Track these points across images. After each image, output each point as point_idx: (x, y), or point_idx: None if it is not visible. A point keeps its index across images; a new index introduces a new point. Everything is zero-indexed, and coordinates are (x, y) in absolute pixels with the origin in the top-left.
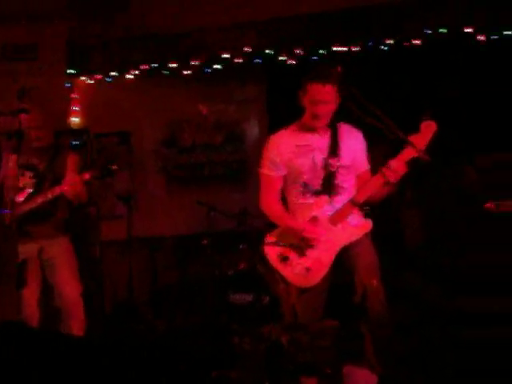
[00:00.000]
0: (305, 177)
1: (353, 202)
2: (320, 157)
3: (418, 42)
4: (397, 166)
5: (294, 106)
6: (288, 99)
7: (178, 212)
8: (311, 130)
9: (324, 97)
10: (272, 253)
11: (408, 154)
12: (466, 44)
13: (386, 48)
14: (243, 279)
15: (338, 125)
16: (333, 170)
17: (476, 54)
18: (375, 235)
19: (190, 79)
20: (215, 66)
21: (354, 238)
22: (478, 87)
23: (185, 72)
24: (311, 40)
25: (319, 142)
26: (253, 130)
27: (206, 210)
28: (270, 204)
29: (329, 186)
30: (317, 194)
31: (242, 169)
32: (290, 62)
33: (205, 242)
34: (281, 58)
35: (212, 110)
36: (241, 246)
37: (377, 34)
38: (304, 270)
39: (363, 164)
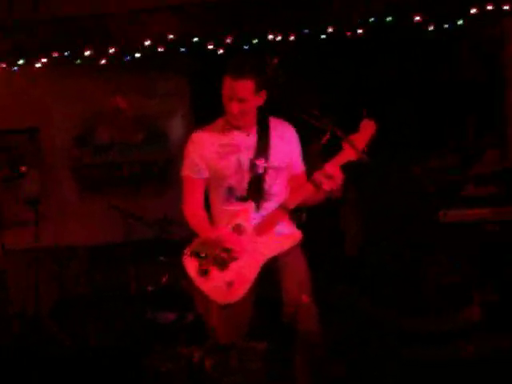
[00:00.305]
0: (229, 180)
1: (282, 208)
2: (246, 157)
3: (361, 31)
4: (332, 171)
5: (221, 98)
6: (216, 93)
7: (91, 219)
8: (236, 127)
9: (236, 93)
10: (191, 265)
11: (345, 155)
12: (415, 33)
13: (325, 37)
14: (165, 295)
15: (268, 120)
16: (260, 172)
17: (426, 44)
18: (308, 243)
19: (107, 69)
20: (136, 55)
21: (281, 250)
22: (425, 80)
23: (101, 61)
24: (243, 27)
25: (246, 140)
26: (177, 126)
27: (122, 217)
28: (192, 210)
29: (256, 191)
30: (242, 199)
31: (165, 170)
32: (219, 51)
33: (121, 252)
34: (209, 47)
35: (132, 103)
36: (162, 258)
37: (317, 21)
38: (225, 284)
39: (297, 165)
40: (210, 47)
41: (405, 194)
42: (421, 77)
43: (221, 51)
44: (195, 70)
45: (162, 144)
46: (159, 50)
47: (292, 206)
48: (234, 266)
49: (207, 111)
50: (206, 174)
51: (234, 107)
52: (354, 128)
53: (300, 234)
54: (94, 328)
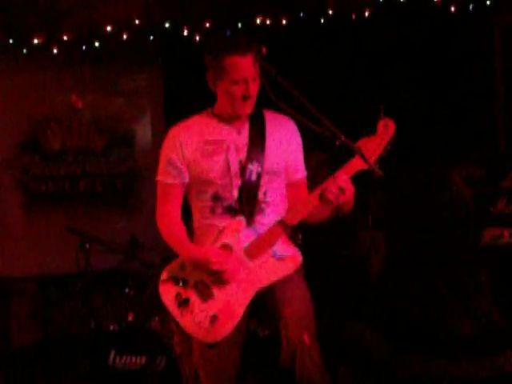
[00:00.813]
0: (215, 186)
1: (281, 225)
2: (236, 159)
3: (367, 13)
4: (343, 182)
5: (201, 95)
6: (192, 88)
7: (40, 242)
8: (225, 121)
9: (251, 71)
10: (168, 293)
11: (354, 165)
12: (432, 15)
13: (323, 21)
14: (131, 336)
15: (262, 113)
16: (252, 178)
17: (445, 28)
18: (312, 269)
19: (61, 62)
20: (95, 44)
21: (278, 277)
22: (448, 71)
23: (53, 51)
24: (224, 10)
25: (236, 137)
26: (145, 130)
27: (79, 241)
28: (168, 222)
29: (247, 201)
30: (231, 211)
31: (131, 184)
32: (195, 38)
33: (78, 285)
34: (183, 34)
35: (90, 103)
36: (127, 290)
37: (314, 2)
38: (208, 319)
39: (298, 169)
40: (185, 34)
41: (441, 209)
42: (439, 70)
43: (198, 38)
44: (168, 61)
45: (128, 152)
46: (123, 37)
47: (294, 221)
48: (219, 296)
49: (183, 111)
50: (186, 178)
51: (252, 89)
52: (364, 130)
53: (301, 257)
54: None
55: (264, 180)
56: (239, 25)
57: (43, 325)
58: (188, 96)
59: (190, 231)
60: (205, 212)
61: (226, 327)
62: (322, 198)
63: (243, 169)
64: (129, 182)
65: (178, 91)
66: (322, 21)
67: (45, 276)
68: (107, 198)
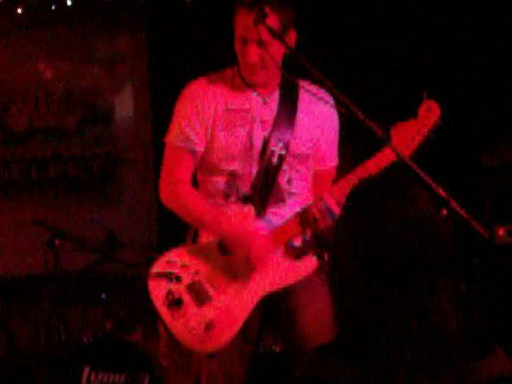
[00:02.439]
0: (234, 164)
1: (301, 219)
2: (260, 135)
3: None
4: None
5: (192, 64)
6: (182, 56)
7: (2, 238)
8: (251, 85)
9: (249, 32)
10: (158, 290)
11: (384, 157)
12: None
13: None
14: (109, 349)
15: (296, 83)
16: (273, 160)
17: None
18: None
19: (26, 24)
20: (66, 3)
21: (290, 281)
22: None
23: (17, 10)
24: None
25: (262, 107)
26: (126, 105)
27: (48, 236)
28: (181, 190)
29: (262, 188)
30: (243, 199)
31: (109, 168)
32: None
33: (45, 288)
34: None
35: (61, 73)
36: (103, 296)
37: None
38: (203, 325)
39: (329, 155)
40: None
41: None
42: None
43: None
44: (153, 23)
45: (106, 131)
46: None
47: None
48: (217, 299)
49: (171, 83)
50: (201, 147)
51: (251, 53)
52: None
53: (315, 260)
54: None
55: (288, 164)
56: None
57: (5, 335)
58: (177, 65)
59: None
60: (216, 197)
61: (224, 336)
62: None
63: (265, 147)
64: (107, 167)
65: (165, 59)
66: None
67: (6, 277)
68: (81, 185)
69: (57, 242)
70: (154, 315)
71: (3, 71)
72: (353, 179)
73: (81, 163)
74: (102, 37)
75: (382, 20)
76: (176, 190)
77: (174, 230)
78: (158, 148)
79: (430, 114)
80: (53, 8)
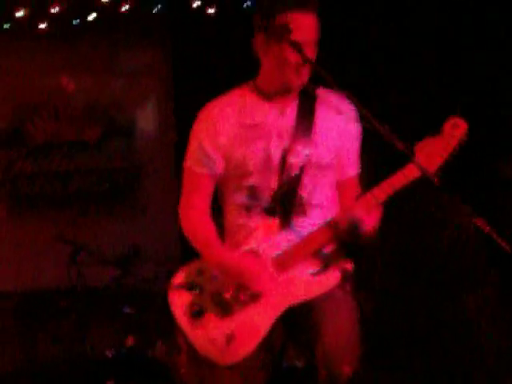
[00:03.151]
0: (252, 180)
1: (329, 228)
2: (278, 147)
3: None
4: (357, 215)
5: (215, 76)
6: (205, 68)
7: (25, 252)
8: (268, 98)
9: (313, 33)
10: (179, 302)
11: (409, 173)
12: None
13: None
14: (131, 363)
15: (314, 91)
16: (293, 171)
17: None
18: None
19: (49, 38)
20: (88, 18)
21: (313, 294)
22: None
23: (40, 25)
24: None
25: (278, 119)
26: (150, 118)
27: (70, 251)
28: (193, 217)
29: (284, 200)
30: (266, 211)
31: (132, 181)
32: (208, 11)
33: (67, 302)
34: (194, 6)
35: (83, 86)
36: (126, 310)
37: None
38: (224, 337)
39: (351, 165)
40: (197, 5)
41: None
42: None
43: (211, 11)
44: (176, 36)
45: (128, 145)
46: (122, 9)
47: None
48: (239, 312)
49: (195, 95)
50: (220, 169)
51: (311, 54)
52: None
53: (339, 273)
54: None
55: (308, 174)
56: None
57: (27, 349)
58: (200, 77)
59: (221, 233)
60: (239, 211)
61: (245, 349)
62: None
63: (284, 158)
64: (130, 180)
65: (189, 71)
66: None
67: (30, 292)
68: (104, 198)
69: (79, 256)
70: (172, 327)
71: (26, 85)
72: (378, 194)
73: (104, 176)
74: (124, 50)
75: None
76: (186, 216)
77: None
78: (180, 161)
79: (455, 130)
80: (75, 22)
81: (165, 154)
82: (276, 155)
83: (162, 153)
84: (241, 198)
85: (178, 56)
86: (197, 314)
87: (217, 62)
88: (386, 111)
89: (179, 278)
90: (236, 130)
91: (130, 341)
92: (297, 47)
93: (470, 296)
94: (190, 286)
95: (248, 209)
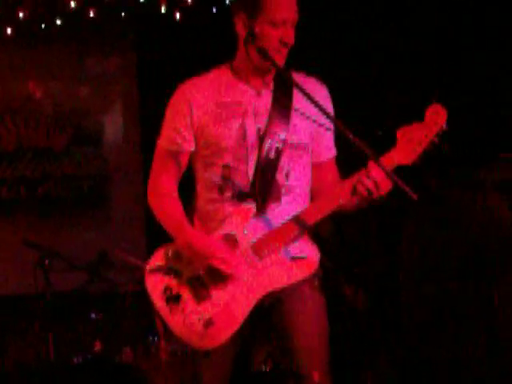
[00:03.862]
0: (227, 157)
1: (297, 223)
2: (254, 127)
3: None
4: (378, 175)
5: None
6: (171, 75)
7: None
8: (244, 78)
9: (293, 14)
10: (156, 285)
11: (399, 155)
12: None
13: None
14: (99, 370)
15: (290, 74)
16: (271, 154)
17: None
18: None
19: (15, 44)
20: (56, 22)
21: (289, 282)
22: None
23: (7, 31)
24: None
25: (255, 99)
26: (116, 124)
27: (37, 256)
28: (162, 196)
29: (262, 184)
30: (242, 196)
31: (99, 188)
32: (174, 16)
33: (33, 308)
34: (161, 10)
35: (50, 93)
36: (93, 315)
37: None
38: (202, 322)
39: (326, 146)
40: (163, 10)
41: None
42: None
43: (178, 16)
44: (142, 43)
45: (96, 151)
46: (90, 14)
47: (314, 220)
48: (217, 297)
49: (161, 102)
50: (192, 147)
51: (292, 34)
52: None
53: (317, 260)
54: None
55: (286, 156)
56: (226, 1)
57: None
58: (166, 84)
59: (190, 213)
60: (211, 192)
61: (223, 334)
62: (354, 193)
63: (261, 141)
64: (96, 186)
65: (155, 78)
66: None
67: None
68: (71, 205)
69: (46, 261)
70: (144, 333)
71: None
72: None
73: (70, 183)
74: (91, 57)
75: (385, 19)
76: (154, 195)
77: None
78: (147, 168)
79: (436, 118)
80: (42, 28)
81: (131, 161)
82: (252, 134)
83: (128, 159)
84: (214, 176)
85: (144, 63)
86: (174, 298)
87: (182, 69)
88: (386, 111)
89: (156, 260)
90: (211, 107)
91: (97, 346)
92: (263, 53)
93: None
94: (167, 270)
95: (221, 190)
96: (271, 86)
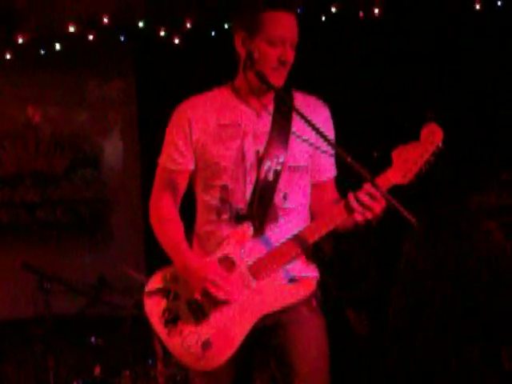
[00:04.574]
0: (224, 178)
1: (298, 242)
2: (252, 148)
3: (377, 10)
4: (374, 192)
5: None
6: (171, 99)
7: None
8: (245, 99)
9: (292, 33)
10: (154, 308)
11: (394, 176)
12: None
13: (325, 19)
14: None
15: (291, 94)
16: (269, 176)
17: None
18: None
19: (15, 68)
20: (55, 46)
21: (286, 303)
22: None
23: (6, 55)
24: (208, 8)
25: (255, 121)
26: (115, 149)
27: (37, 280)
28: (162, 216)
29: (259, 205)
30: (239, 219)
31: (97, 212)
32: (173, 41)
33: (35, 331)
34: (160, 35)
35: (49, 117)
36: (93, 340)
37: None
38: (200, 344)
39: (326, 167)
40: (162, 35)
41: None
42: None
43: (177, 41)
44: (142, 67)
45: (95, 174)
46: (89, 38)
47: (314, 238)
48: (215, 318)
49: (160, 127)
50: (191, 165)
51: (290, 53)
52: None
53: (316, 281)
54: None
55: (284, 179)
56: (225, 26)
57: None
58: (166, 108)
59: (190, 235)
60: (210, 214)
61: (221, 356)
62: (350, 211)
63: (260, 163)
64: (95, 211)
65: (154, 103)
66: (324, 19)
67: None
68: (70, 229)
69: (46, 285)
70: (144, 356)
71: None
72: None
73: (69, 207)
74: (90, 81)
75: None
76: (155, 214)
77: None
78: (146, 192)
79: (432, 137)
80: (41, 52)
81: (131, 185)
82: (250, 156)
83: (128, 183)
84: (212, 199)
85: (143, 87)
86: (171, 320)
87: (181, 94)
88: (385, 111)
89: (154, 283)
90: (211, 127)
91: (96, 370)
92: (260, 77)
93: None
94: (164, 292)
95: (218, 212)
96: (271, 107)
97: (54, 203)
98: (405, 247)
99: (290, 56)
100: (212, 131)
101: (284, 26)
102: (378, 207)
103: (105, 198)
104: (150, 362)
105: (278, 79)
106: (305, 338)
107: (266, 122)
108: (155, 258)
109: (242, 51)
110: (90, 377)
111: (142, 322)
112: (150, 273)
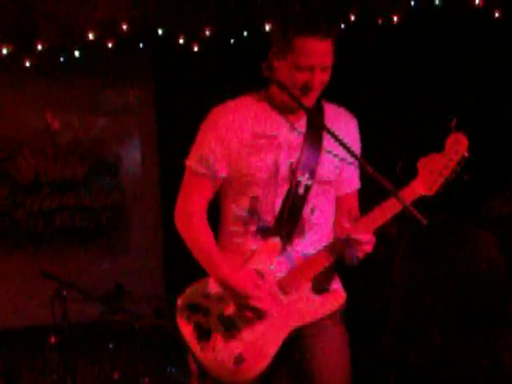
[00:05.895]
0: (257, 190)
1: (331, 250)
2: (286, 160)
3: (396, 18)
4: (356, 236)
5: (199, 114)
6: (189, 106)
7: (8, 289)
8: (279, 110)
9: (323, 60)
10: (186, 324)
11: (416, 188)
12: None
13: (344, 26)
14: None
15: (322, 107)
16: (300, 190)
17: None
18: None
19: (34, 75)
20: (74, 54)
21: (317, 317)
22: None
23: (25, 63)
24: (227, 15)
25: (289, 133)
26: (134, 155)
27: (54, 287)
28: (193, 223)
29: (288, 219)
30: (265, 232)
31: (116, 219)
32: (192, 48)
33: (52, 339)
34: (179, 42)
35: (68, 123)
36: (111, 346)
37: (335, 4)
38: (232, 359)
39: (352, 179)
40: (181, 42)
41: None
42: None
43: (196, 48)
44: (160, 74)
45: (114, 181)
46: (108, 46)
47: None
48: (246, 333)
49: (179, 133)
50: (223, 174)
51: (317, 80)
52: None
53: (344, 294)
54: None
55: (314, 193)
56: (245, 33)
57: None
58: (184, 115)
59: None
60: (236, 225)
61: (255, 369)
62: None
63: (292, 175)
64: (114, 217)
65: (173, 109)
66: (343, 26)
67: (12, 329)
68: (89, 236)
69: (64, 292)
70: (162, 364)
71: (11, 122)
72: (376, 216)
73: (88, 214)
74: (109, 89)
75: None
76: (189, 221)
77: (182, 280)
78: (165, 199)
79: (457, 146)
80: (60, 59)
81: (149, 192)
82: (284, 168)
83: (146, 190)
84: (241, 209)
85: (162, 94)
86: (204, 335)
87: (199, 100)
88: (387, 112)
89: (186, 298)
90: (247, 137)
91: (115, 376)
92: (291, 96)
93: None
94: (195, 308)
95: (245, 223)
96: (304, 120)
97: (73, 210)
98: (396, 259)
99: (318, 81)
100: (247, 140)
101: (314, 54)
102: (365, 249)
103: (123, 205)
104: (169, 369)
105: (306, 100)
106: (327, 352)
107: (299, 135)
108: (174, 265)
109: (272, 66)
110: (110, 383)
111: (160, 329)
112: (168, 280)
